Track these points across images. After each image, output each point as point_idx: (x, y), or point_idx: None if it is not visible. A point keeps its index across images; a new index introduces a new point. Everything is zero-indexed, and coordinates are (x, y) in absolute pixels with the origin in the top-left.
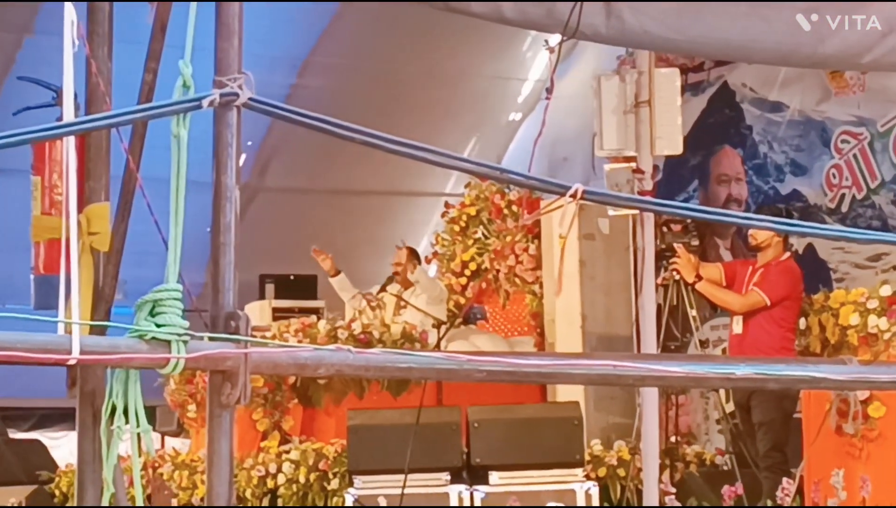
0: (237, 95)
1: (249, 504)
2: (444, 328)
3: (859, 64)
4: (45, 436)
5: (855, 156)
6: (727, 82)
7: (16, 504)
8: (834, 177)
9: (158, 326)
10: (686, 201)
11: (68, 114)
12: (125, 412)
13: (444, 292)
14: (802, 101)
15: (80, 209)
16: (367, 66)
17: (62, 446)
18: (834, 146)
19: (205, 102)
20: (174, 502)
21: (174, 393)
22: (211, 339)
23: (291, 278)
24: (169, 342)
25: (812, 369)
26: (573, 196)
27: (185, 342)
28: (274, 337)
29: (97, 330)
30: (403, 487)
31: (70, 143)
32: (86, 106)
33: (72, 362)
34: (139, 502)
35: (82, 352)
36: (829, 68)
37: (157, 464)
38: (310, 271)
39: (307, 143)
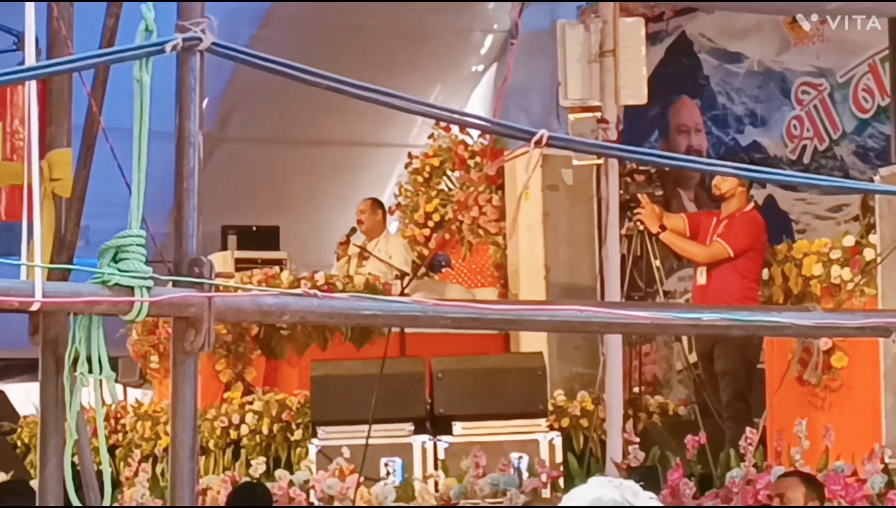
0: (200, 39)
1: (213, 455)
2: (406, 279)
3: (825, 10)
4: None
5: (815, 107)
6: (685, 32)
7: None
8: (795, 128)
9: (122, 271)
10: None
11: (30, 58)
12: (88, 359)
13: (410, 253)
14: (761, 52)
15: (41, 155)
16: (329, 17)
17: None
18: (794, 97)
19: (167, 47)
20: (137, 453)
21: (136, 344)
22: (174, 284)
23: (254, 229)
24: (132, 287)
25: (777, 315)
26: (538, 142)
27: (148, 288)
28: (235, 290)
29: (59, 277)
30: (368, 437)
31: (32, 88)
32: (47, 52)
33: (35, 306)
34: (101, 449)
35: (45, 297)
36: (796, 13)
37: (119, 415)
38: (272, 223)
39: (269, 93)
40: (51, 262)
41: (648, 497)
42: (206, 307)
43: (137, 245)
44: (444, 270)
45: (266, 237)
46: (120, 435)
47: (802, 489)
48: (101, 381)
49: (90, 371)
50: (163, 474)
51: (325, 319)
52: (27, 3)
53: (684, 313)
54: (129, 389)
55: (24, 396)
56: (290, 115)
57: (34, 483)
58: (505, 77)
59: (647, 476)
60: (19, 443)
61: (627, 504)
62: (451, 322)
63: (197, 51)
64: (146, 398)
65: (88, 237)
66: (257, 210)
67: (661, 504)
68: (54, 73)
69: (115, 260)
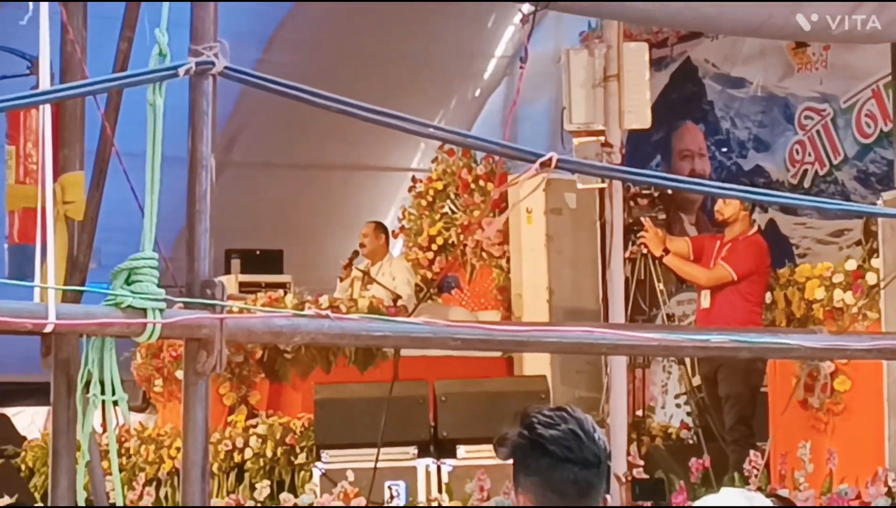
0: (213, 63)
1: (217, 478)
2: (399, 301)
3: (831, 36)
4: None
5: (818, 132)
6: (690, 58)
7: None
8: (797, 153)
9: (135, 293)
10: None
11: (45, 82)
12: (101, 381)
13: (414, 276)
14: (765, 77)
15: (55, 178)
16: (333, 42)
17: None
18: (797, 122)
19: (181, 71)
20: (141, 476)
21: (140, 368)
22: (186, 306)
23: (257, 252)
24: (145, 309)
25: (784, 337)
26: (546, 164)
27: (161, 310)
28: (241, 311)
29: (72, 300)
30: (377, 460)
31: (46, 111)
32: (60, 76)
33: (48, 328)
34: (114, 471)
35: (58, 319)
36: (802, 39)
37: (123, 438)
38: (275, 246)
39: (274, 118)
40: (63, 285)
41: None
42: (217, 329)
43: (150, 268)
44: (453, 291)
45: (270, 261)
46: (124, 459)
47: None
48: (113, 403)
49: (103, 393)
50: (167, 498)
51: (336, 340)
52: (41, 29)
53: (693, 335)
54: (132, 413)
55: (30, 420)
56: (293, 139)
57: (39, 506)
58: (514, 100)
59: (654, 490)
60: (23, 467)
61: None
62: (461, 343)
63: (210, 75)
64: (149, 422)
65: (100, 260)
66: (261, 234)
67: None
68: (68, 96)
69: (128, 282)
